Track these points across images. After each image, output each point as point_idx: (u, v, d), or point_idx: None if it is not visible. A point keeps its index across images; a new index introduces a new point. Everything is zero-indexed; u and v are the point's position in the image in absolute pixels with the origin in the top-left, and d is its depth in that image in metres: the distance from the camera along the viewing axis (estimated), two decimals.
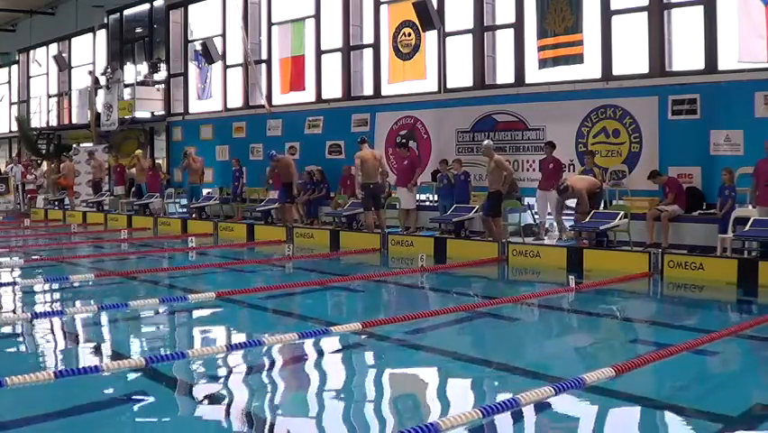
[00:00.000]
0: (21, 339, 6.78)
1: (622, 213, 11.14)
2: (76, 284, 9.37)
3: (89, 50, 25.34)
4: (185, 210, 18.52)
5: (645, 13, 12.42)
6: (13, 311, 8.02)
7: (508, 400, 4.54)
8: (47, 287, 9.24)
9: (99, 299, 8.43)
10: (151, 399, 4.96)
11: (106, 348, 6.52)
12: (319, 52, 17.45)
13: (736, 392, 5.28)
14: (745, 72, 11.27)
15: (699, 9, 11.90)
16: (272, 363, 6.08)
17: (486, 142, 12.99)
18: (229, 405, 4.99)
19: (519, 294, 9.46)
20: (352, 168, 15.42)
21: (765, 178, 10.37)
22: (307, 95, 17.84)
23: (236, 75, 19.64)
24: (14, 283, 9.51)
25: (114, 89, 22.53)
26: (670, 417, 4.71)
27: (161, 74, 22.05)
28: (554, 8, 13.15)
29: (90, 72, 24.44)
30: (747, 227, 9.98)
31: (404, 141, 15.27)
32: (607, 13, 12.78)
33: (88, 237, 16.55)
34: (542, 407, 4.66)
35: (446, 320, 7.48)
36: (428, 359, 6.16)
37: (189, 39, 21.01)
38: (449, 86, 15.06)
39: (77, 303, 8.46)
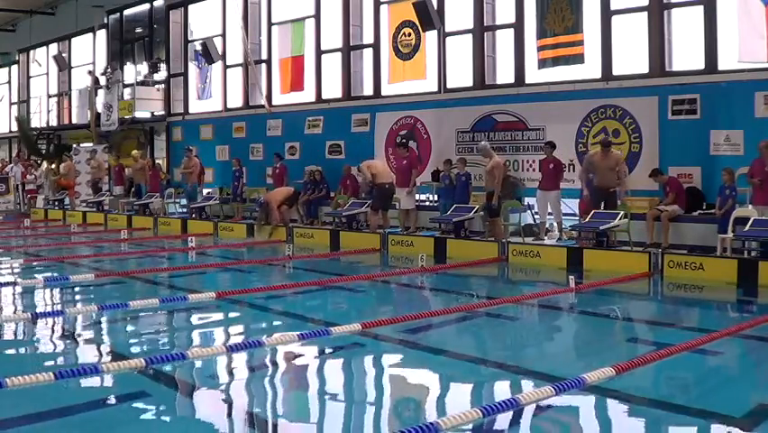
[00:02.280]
0: (21, 339, 6.78)
1: (622, 213, 11.14)
2: (76, 284, 9.37)
3: (89, 50, 25.36)
4: (185, 210, 18.52)
5: (645, 13, 12.42)
6: (14, 311, 8.02)
7: (508, 400, 4.55)
8: (47, 287, 9.24)
9: (99, 299, 8.43)
10: (151, 399, 4.96)
11: (106, 348, 6.52)
12: (319, 52, 17.45)
13: (736, 392, 5.28)
14: (745, 72, 11.27)
15: (699, 9, 11.90)
16: (272, 364, 6.07)
17: (482, 143, 12.97)
18: (229, 405, 4.99)
19: (519, 294, 9.46)
20: (353, 167, 15.44)
21: (760, 177, 10.40)
22: (307, 95, 17.84)
23: (236, 75, 19.65)
24: (14, 283, 9.51)
25: (113, 89, 22.54)
26: (670, 417, 4.70)
27: (161, 74, 22.06)
28: (554, 8, 13.15)
29: (90, 72, 24.45)
30: (747, 227, 9.99)
31: (404, 141, 15.28)
32: (607, 13, 12.78)
33: (88, 237, 16.55)
34: (542, 407, 4.66)
35: (446, 320, 7.48)
36: (428, 359, 6.16)
37: (189, 39, 21.01)
38: (449, 86, 15.06)
39: (78, 303, 8.46)
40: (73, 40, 26.36)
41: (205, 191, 18.96)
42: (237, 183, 17.41)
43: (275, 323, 7.71)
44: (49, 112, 27.75)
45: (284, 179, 16.77)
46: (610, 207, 11.46)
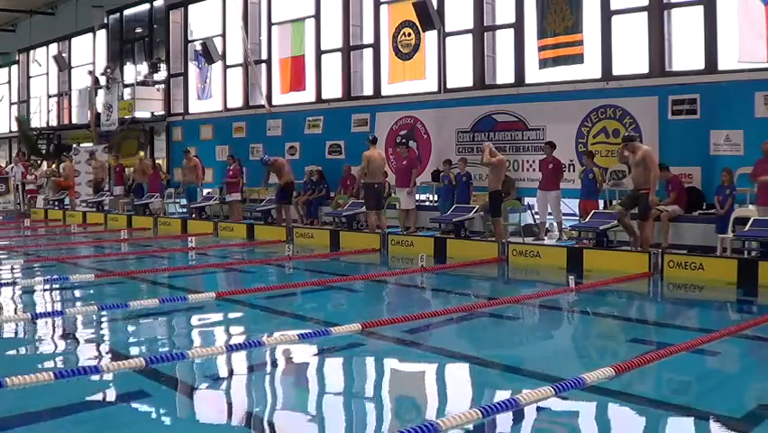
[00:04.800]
0: (21, 339, 6.78)
1: None
2: (76, 284, 9.37)
3: (89, 50, 25.39)
4: (185, 210, 18.52)
5: (645, 13, 12.44)
6: (14, 311, 8.01)
7: (508, 400, 4.54)
8: (47, 287, 9.24)
9: (99, 299, 8.43)
10: (151, 399, 4.96)
11: (106, 348, 6.52)
12: (319, 52, 17.46)
13: (736, 392, 5.28)
14: (745, 72, 11.28)
15: (699, 9, 11.91)
16: (272, 364, 6.07)
17: (486, 143, 12.94)
18: (229, 405, 4.99)
19: (519, 294, 9.45)
20: (353, 167, 15.45)
21: (764, 177, 10.40)
22: (307, 95, 17.87)
23: (236, 75, 19.66)
24: (14, 283, 9.51)
25: (113, 89, 22.55)
26: (670, 417, 4.71)
27: (161, 74, 22.07)
28: (554, 8, 13.16)
29: (90, 72, 24.46)
30: (747, 227, 10.00)
31: (404, 141, 15.28)
32: (607, 13, 12.79)
33: (88, 237, 16.55)
34: (542, 407, 4.66)
35: (446, 320, 7.48)
36: (428, 359, 6.15)
37: (189, 39, 21.04)
38: (449, 86, 15.07)
39: (77, 303, 8.46)
40: (73, 40, 26.39)
41: (205, 191, 18.97)
42: None
43: (275, 323, 7.71)
44: (49, 112, 27.76)
45: (239, 181, 16.80)
46: (640, 213, 10.58)
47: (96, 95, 23.78)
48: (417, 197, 14.75)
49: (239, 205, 16.87)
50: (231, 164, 17.06)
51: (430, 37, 15.18)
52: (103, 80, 23.32)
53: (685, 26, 12.34)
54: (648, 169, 10.45)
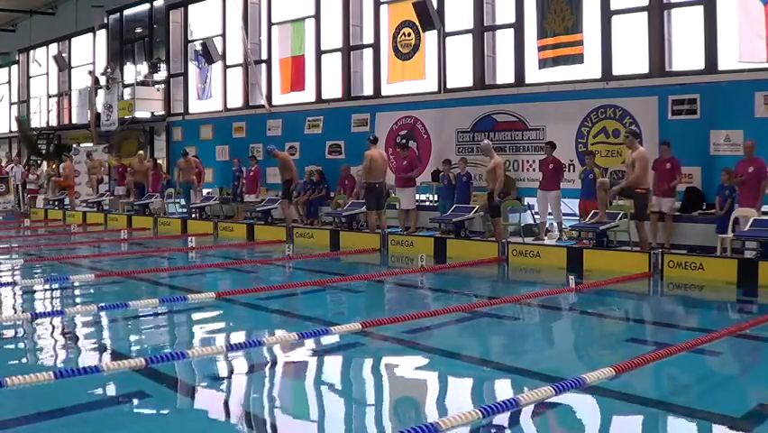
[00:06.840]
0: (21, 339, 6.78)
1: (622, 213, 11.14)
2: (76, 284, 9.37)
3: (89, 50, 25.39)
4: (185, 210, 18.52)
5: (645, 13, 12.44)
6: (14, 311, 8.01)
7: (508, 400, 4.54)
8: (47, 287, 9.24)
9: (99, 299, 8.42)
10: (151, 399, 4.96)
11: (106, 348, 6.52)
12: (319, 52, 17.46)
13: (736, 392, 5.28)
14: (745, 72, 11.27)
15: (699, 9, 11.91)
16: (272, 364, 6.08)
17: (485, 142, 12.97)
18: (229, 405, 4.99)
19: (519, 294, 9.45)
20: (352, 167, 15.45)
21: (743, 177, 10.46)
22: (307, 95, 17.86)
23: (236, 75, 19.66)
24: (14, 283, 9.51)
25: (113, 89, 22.55)
26: (670, 417, 4.71)
27: (161, 74, 22.07)
28: (554, 8, 13.15)
29: (90, 72, 24.46)
30: (747, 227, 9.99)
31: (404, 141, 15.27)
32: (607, 13, 12.78)
33: (88, 237, 16.55)
34: (542, 407, 4.66)
35: (446, 320, 7.47)
36: (428, 359, 6.16)
37: (189, 39, 21.03)
38: (449, 86, 15.07)
39: (77, 303, 8.46)
40: (73, 40, 26.39)
41: (205, 191, 18.97)
42: (237, 183, 17.44)
43: (275, 323, 7.71)
44: (49, 112, 27.77)
45: (257, 182, 16.81)
46: (636, 213, 10.79)
47: (96, 95, 23.78)
48: (417, 197, 14.75)
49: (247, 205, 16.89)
50: (253, 165, 17.04)
51: (430, 37, 15.18)
52: (103, 80, 23.32)
53: (685, 26, 12.33)
54: (643, 170, 10.63)
